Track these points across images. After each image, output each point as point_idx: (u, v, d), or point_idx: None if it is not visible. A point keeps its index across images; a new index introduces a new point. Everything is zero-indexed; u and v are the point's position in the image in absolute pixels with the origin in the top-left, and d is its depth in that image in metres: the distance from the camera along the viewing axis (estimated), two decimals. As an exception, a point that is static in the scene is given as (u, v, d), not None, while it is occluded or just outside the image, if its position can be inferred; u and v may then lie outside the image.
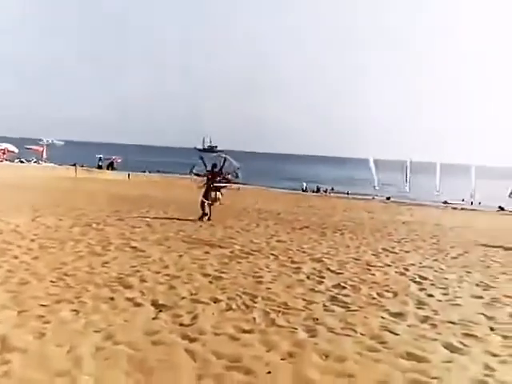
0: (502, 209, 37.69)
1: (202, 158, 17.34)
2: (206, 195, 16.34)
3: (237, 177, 17.52)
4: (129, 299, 6.47)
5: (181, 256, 9.48)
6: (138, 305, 6.28)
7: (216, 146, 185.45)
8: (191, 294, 6.83)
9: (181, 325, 5.66)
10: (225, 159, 17.14)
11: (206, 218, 15.91)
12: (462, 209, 36.33)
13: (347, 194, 45.64)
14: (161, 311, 6.07)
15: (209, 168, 16.75)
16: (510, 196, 38.76)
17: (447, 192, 42.37)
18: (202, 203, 16.21)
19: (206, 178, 16.68)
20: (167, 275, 7.83)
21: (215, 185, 16.54)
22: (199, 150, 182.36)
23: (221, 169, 16.84)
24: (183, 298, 6.66)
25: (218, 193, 16.59)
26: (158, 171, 59.72)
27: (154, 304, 6.32)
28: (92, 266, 8.13)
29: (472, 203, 39.88)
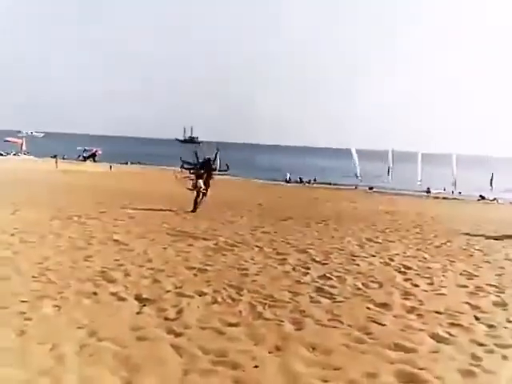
0: (482, 198, 38.13)
1: (195, 153, 17.15)
2: (196, 186, 16.32)
3: (227, 169, 17.61)
4: (112, 294, 6.36)
5: (165, 249, 9.37)
6: (122, 299, 6.17)
7: (197, 137, 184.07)
8: (176, 288, 6.74)
9: (166, 319, 5.58)
10: (217, 151, 17.17)
11: (193, 209, 15.93)
12: (444, 198, 36.68)
13: (330, 184, 45.73)
14: (145, 305, 5.97)
15: (201, 160, 16.74)
16: (490, 184, 39.47)
17: (429, 181, 42.70)
18: (197, 195, 16.25)
19: (196, 170, 16.61)
20: (151, 269, 7.72)
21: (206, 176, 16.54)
22: (180, 141, 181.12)
23: (214, 161, 16.88)
24: (168, 291, 6.57)
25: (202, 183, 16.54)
26: (139, 163, 59.27)
27: (138, 298, 6.22)
28: (74, 261, 7.98)
29: (453, 192, 40.25)
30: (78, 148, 63.23)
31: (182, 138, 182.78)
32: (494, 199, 37.29)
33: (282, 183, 45.75)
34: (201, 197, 16.42)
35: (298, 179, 49.29)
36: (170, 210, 15.72)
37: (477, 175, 48.61)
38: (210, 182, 16.87)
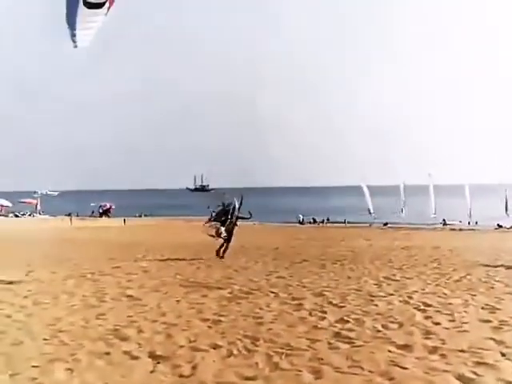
0: (500, 226, 37.59)
1: (223, 204, 17.03)
2: (218, 232, 16.28)
3: (250, 216, 17.69)
4: (125, 352, 6.21)
5: (178, 301, 9.23)
6: (135, 358, 6.02)
7: (208, 185, 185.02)
8: (190, 342, 6.59)
9: (180, 376, 5.42)
10: (242, 198, 17.16)
11: (220, 254, 16.11)
12: (461, 229, 36.20)
13: (344, 222, 45.47)
14: (159, 363, 5.82)
15: (227, 208, 16.76)
16: (506, 212, 38.97)
17: (443, 213, 42.32)
18: (222, 238, 16.32)
19: (221, 216, 16.63)
20: (164, 323, 7.57)
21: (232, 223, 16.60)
22: (191, 189, 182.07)
23: (239, 207, 16.92)
24: (181, 346, 6.41)
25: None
26: (151, 215, 59.60)
27: (152, 356, 6.06)
28: (87, 320, 7.86)
29: (469, 223, 39.77)
30: (92, 204, 63.95)
31: (192, 187, 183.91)
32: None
33: (296, 225, 45.57)
34: (225, 244, 16.36)
35: (312, 220, 49.15)
36: (184, 260, 15.63)
37: (491, 203, 48.00)
38: (235, 228, 16.78)
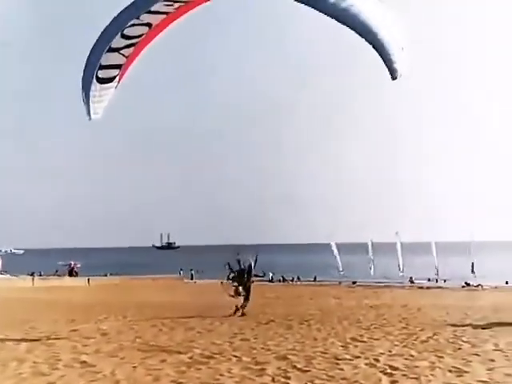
0: (467, 284, 37.87)
1: (238, 261, 17.61)
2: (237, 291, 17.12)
3: (264, 275, 18.81)
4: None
5: (135, 367, 8.73)
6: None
7: (174, 243, 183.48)
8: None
9: None
10: (256, 256, 18.00)
11: (241, 312, 16.64)
12: (428, 288, 36.27)
13: (314, 280, 45.15)
14: None
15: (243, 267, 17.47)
16: (472, 272, 39.43)
17: (411, 271, 42.54)
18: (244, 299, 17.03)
19: (239, 276, 17.36)
20: (118, 393, 7.12)
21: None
22: (157, 247, 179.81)
23: (254, 266, 17.69)
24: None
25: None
26: (117, 273, 58.13)
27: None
28: (34, 390, 7.34)
29: (437, 281, 39.94)
30: (60, 263, 62.20)
31: (158, 245, 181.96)
32: (479, 285, 37.03)
33: (265, 283, 44.98)
34: (245, 302, 16.96)
35: (281, 278, 48.64)
36: (147, 321, 15.04)
37: (458, 262, 48.59)
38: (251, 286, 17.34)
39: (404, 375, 7.96)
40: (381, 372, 8.21)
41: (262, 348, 10.56)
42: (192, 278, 50.02)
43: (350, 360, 9.23)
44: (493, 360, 9.04)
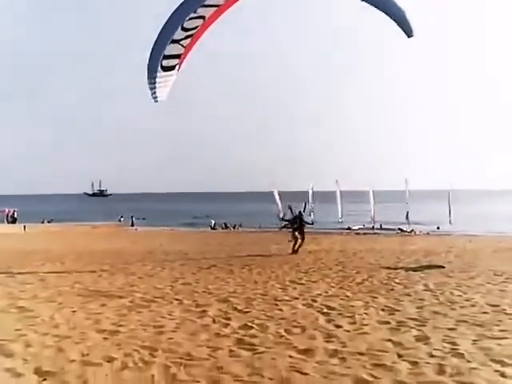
0: (401, 230, 39.51)
1: (290, 207, 21.45)
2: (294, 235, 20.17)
3: (312, 223, 22.90)
4: (8, 370, 5.64)
5: (74, 312, 8.63)
6: (19, 375, 5.48)
7: (106, 190, 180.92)
8: (82, 356, 6.11)
9: (68, 393, 4.99)
10: (305, 204, 22.87)
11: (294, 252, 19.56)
12: (365, 233, 37.60)
13: (259, 227, 45.73)
14: (45, 379, 5.33)
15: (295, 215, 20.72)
16: (406, 218, 41.13)
17: (350, 218, 43.97)
18: (295, 241, 20.07)
19: (293, 223, 20.56)
20: (56, 336, 7.00)
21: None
22: (89, 194, 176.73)
23: (303, 212, 21.76)
24: (72, 360, 5.93)
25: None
26: (53, 220, 56.55)
27: (38, 372, 5.54)
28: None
29: (373, 228, 41.40)
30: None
31: (90, 192, 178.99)
32: (412, 231, 38.73)
33: (207, 230, 45.24)
34: (299, 243, 19.94)
35: (223, 225, 49.01)
36: (86, 267, 14.82)
37: (394, 209, 50.56)
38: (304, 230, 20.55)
39: (340, 314, 8.29)
40: (318, 312, 8.52)
41: (204, 291, 10.68)
42: (133, 225, 49.50)
43: (289, 301, 9.52)
44: (422, 299, 9.57)
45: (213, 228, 47.92)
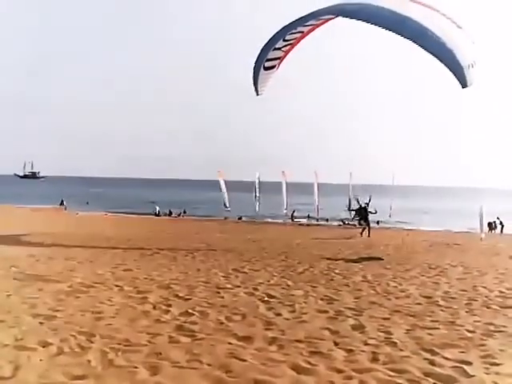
0: (344, 223, 40.39)
1: (357, 199, 26.29)
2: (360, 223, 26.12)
3: (376, 212, 25.94)
4: None
5: (9, 296, 8.36)
6: None
7: (38, 172, 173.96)
8: (16, 340, 5.95)
9: (0, 378, 4.84)
10: (370, 197, 25.86)
11: (366, 235, 24.19)
12: (308, 225, 38.23)
13: (204, 216, 45.55)
14: (-25, 365, 5.15)
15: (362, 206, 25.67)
16: (348, 209, 42.10)
17: (295, 209, 44.48)
18: (363, 228, 25.16)
19: (360, 213, 25.76)
20: (-12, 320, 6.78)
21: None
22: (20, 176, 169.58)
23: (368, 203, 25.70)
24: (6, 345, 5.76)
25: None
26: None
27: (-32, 358, 5.36)
28: None
29: (317, 220, 42.12)
30: None
31: (21, 174, 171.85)
32: (354, 224, 39.68)
33: (152, 217, 44.67)
34: (367, 229, 24.74)
35: (168, 212, 48.54)
36: (23, 250, 14.34)
37: (339, 201, 51.59)
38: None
39: (280, 303, 8.44)
40: (259, 300, 8.64)
41: (145, 278, 10.59)
42: (65, 209, 48.35)
43: (231, 289, 9.59)
44: (360, 290, 9.88)
45: (157, 215, 47.34)
